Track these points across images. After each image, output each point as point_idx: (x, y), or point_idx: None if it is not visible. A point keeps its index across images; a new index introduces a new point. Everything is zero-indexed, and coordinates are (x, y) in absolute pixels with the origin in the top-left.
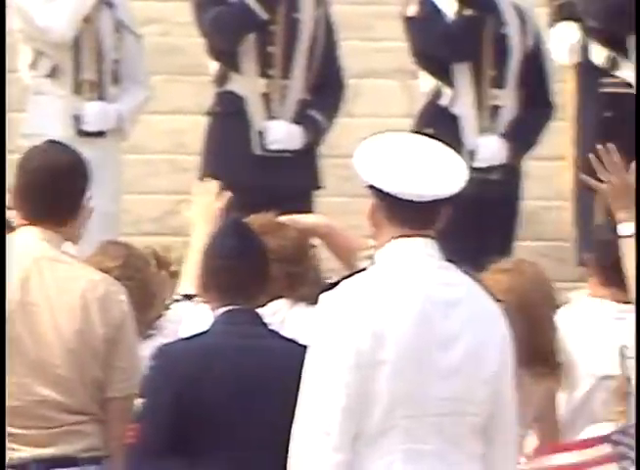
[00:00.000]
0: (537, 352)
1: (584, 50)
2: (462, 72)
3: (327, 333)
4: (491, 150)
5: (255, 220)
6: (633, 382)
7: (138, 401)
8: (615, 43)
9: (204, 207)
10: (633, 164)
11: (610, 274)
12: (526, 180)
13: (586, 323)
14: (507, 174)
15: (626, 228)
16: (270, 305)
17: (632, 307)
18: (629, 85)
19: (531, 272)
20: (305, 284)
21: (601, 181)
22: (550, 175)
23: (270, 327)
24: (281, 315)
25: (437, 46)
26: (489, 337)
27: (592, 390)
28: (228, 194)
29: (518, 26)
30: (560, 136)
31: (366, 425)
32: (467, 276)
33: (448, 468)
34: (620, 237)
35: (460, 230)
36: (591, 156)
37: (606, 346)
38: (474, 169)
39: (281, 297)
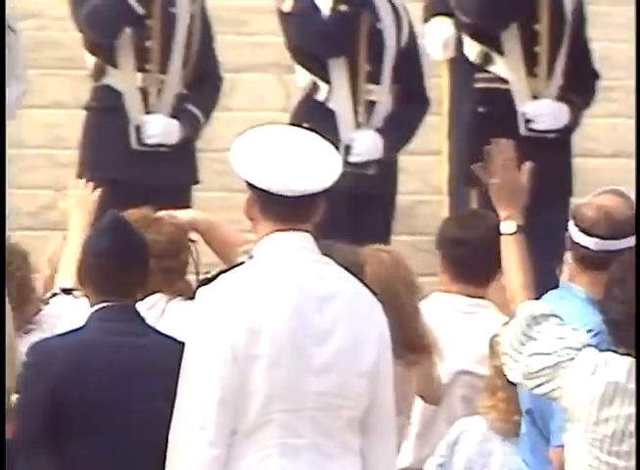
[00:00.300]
0: (406, 341)
1: (458, 45)
2: (338, 68)
3: (203, 327)
4: (367, 145)
5: (131, 215)
6: (510, 373)
7: (14, 397)
8: (487, 38)
9: (79, 199)
10: (527, 164)
11: (460, 270)
12: (402, 175)
13: (437, 319)
14: (383, 169)
15: (509, 226)
16: (147, 299)
17: (483, 302)
18: (503, 81)
19: (390, 260)
20: (182, 279)
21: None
22: (426, 170)
23: (147, 322)
24: (158, 310)
25: (313, 42)
26: (365, 331)
27: (449, 386)
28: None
29: (393, 22)
30: (435, 131)
31: (242, 419)
32: (344, 270)
33: (325, 462)
34: (503, 235)
35: (336, 225)
36: (487, 147)
37: (458, 341)
38: (349, 164)
39: (158, 291)
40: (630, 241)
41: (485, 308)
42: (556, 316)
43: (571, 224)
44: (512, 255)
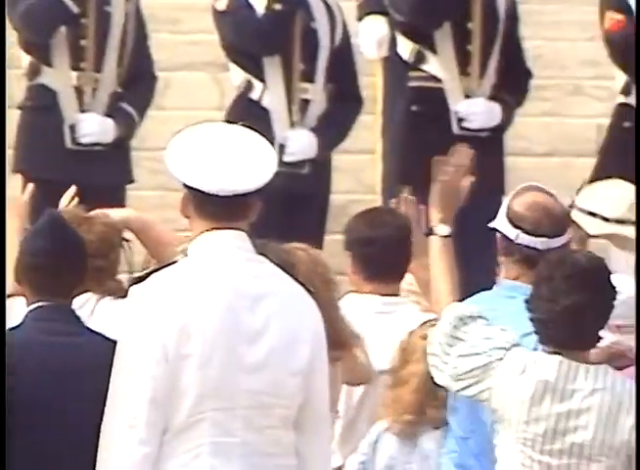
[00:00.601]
0: (329, 337)
1: (392, 44)
2: (272, 66)
3: (135, 326)
4: (301, 144)
5: (63, 215)
6: (439, 375)
7: None
8: (420, 37)
9: (9, 201)
10: (471, 177)
11: (372, 270)
12: (336, 174)
13: (354, 321)
14: (317, 168)
15: (443, 229)
16: (77, 298)
17: (398, 299)
18: (436, 79)
19: (307, 258)
20: (112, 278)
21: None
22: (359, 169)
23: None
24: (88, 309)
25: (248, 40)
26: (299, 329)
27: (370, 386)
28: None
29: (327, 21)
30: (369, 130)
31: (174, 418)
32: (278, 269)
33: (259, 461)
34: (436, 236)
35: (270, 224)
36: (456, 147)
37: (376, 341)
38: (283, 163)
39: (88, 290)
40: (568, 235)
41: (402, 305)
42: (483, 317)
43: (507, 226)
44: (441, 258)
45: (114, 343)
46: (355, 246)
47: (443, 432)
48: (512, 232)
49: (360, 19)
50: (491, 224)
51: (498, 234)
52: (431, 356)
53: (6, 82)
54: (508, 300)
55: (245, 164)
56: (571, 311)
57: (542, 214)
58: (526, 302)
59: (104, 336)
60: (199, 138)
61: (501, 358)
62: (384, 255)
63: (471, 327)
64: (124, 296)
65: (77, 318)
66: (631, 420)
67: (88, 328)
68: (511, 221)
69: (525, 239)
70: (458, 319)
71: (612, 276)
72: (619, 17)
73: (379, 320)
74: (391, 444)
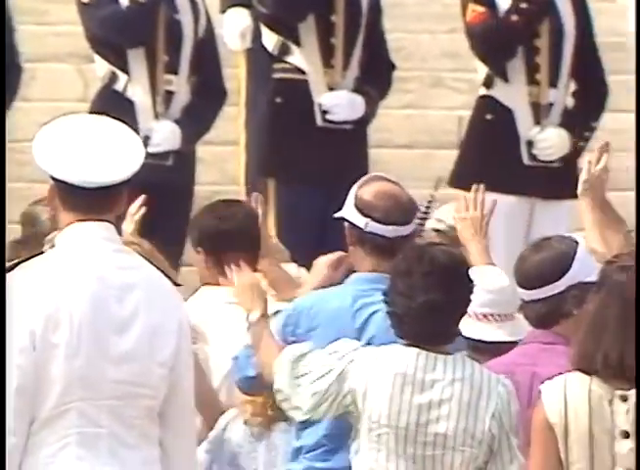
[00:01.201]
0: None
1: (257, 36)
2: (136, 58)
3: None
4: (165, 135)
5: None
6: (296, 413)
7: None
8: (284, 29)
9: None
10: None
11: (224, 262)
12: (200, 165)
13: (207, 312)
14: (181, 160)
15: (253, 315)
16: None
17: None
18: (300, 71)
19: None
20: None
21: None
22: (223, 160)
23: None
24: None
25: (112, 32)
26: (165, 321)
27: (222, 383)
28: None
29: (190, 13)
30: (232, 121)
31: (41, 408)
32: (145, 260)
33: (123, 451)
34: (251, 325)
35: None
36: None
37: (230, 332)
38: (148, 155)
39: None
40: (414, 224)
41: None
42: (315, 349)
43: (356, 215)
44: (263, 339)
45: None
46: (206, 240)
47: (292, 424)
48: (361, 221)
49: (223, 11)
50: (338, 214)
51: (347, 224)
52: (283, 403)
53: (5, 83)
54: (379, 293)
55: (111, 156)
56: (427, 308)
57: (391, 203)
58: (384, 294)
59: None
60: (66, 130)
61: (352, 360)
62: (235, 246)
63: (308, 359)
64: None
65: None
66: (491, 409)
67: None
68: (360, 210)
69: (374, 227)
70: (294, 361)
71: (469, 270)
72: (481, 9)
73: (230, 311)
74: (239, 433)
